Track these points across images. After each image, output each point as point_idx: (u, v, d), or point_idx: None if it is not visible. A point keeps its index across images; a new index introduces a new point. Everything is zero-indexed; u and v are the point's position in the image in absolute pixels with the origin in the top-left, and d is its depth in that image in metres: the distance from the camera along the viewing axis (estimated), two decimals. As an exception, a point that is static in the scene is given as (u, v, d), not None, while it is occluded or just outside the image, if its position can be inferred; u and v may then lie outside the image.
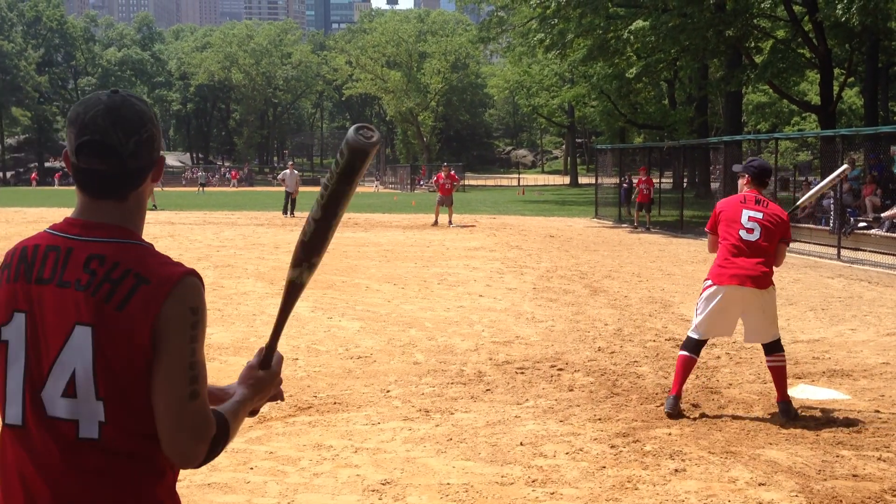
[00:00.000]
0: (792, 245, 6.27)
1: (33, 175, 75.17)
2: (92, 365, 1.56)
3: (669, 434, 5.24)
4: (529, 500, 4.20)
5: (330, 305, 9.92)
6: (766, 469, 4.61)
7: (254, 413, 1.84)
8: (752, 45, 29.37)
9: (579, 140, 75.12)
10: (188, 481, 4.42)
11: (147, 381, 1.58)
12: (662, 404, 5.86)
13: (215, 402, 1.75)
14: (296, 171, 28.26)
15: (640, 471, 4.58)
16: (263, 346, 1.85)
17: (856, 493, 4.27)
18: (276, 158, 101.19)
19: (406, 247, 17.38)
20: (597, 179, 30.49)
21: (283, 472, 4.58)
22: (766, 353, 5.75)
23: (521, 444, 5.02)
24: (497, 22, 37.88)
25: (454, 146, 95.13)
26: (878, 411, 5.77)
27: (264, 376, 1.83)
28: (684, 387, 5.92)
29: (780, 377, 5.67)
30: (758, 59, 28.57)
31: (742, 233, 5.62)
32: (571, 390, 6.28)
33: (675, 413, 5.57)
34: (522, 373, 6.78)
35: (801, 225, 19.69)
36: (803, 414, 5.69)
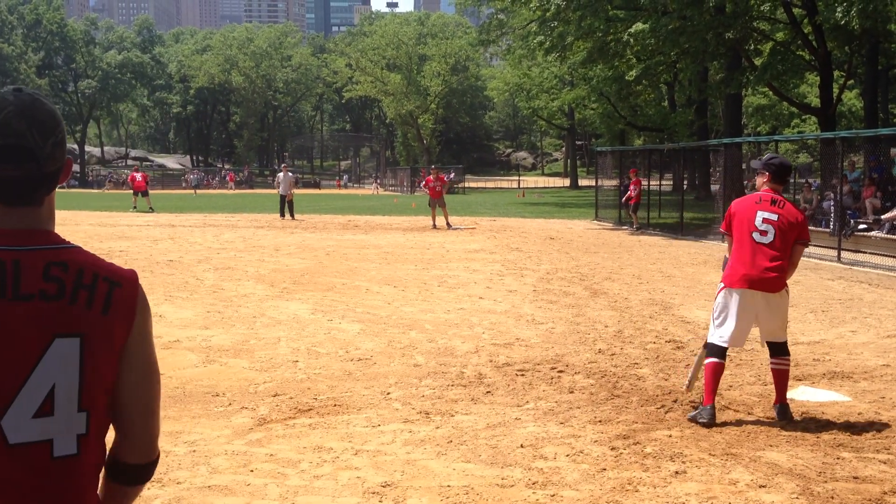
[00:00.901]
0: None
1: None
2: (79, 376, 1.49)
3: (670, 436, 5.24)
4: (530, 502, 4.20)
5: (330, 308, 9.92)
6: (767, 471, 4.61)
7: None
8: (752, 47, 29.38)
9: (579, 142, 75.15)
10: (188, 484, 4.42)
11: (115, 384, 1.57)
12: (663, 406, 5.86)
13: None
14: (290, 174, 28.17)
15: (640, 473, 4.58)
16: None
17: (856, 495, 4.26)
18: (276, 161, 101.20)
19: (406, 249, 17.38)
20: (597, 182, 30.50)
21: (283, 474, 4.57)
22: (772, 356, 5.71)
23: (522, 446, 5.02)
24: (497, 24, 37.90)
25: (454, 148, 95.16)
26: (878, 413, 5.76)
27: None
28: (684, 386, 5.92)
29: (781, 381, 5.65)
30: (757, 62, 28.57)
31: (755, 234, 5.52)
32: (572, 392, 6.27)
33: (713, 422, 5.42)
34: (523, 375, 6.77)
35: (801, 227, 19.66)
36: (804, 416, 5.68)
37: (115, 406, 1.59)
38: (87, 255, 1.61)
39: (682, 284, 12.10)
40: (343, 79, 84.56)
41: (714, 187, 38.41)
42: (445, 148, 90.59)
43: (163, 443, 5.04)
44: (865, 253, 16.00)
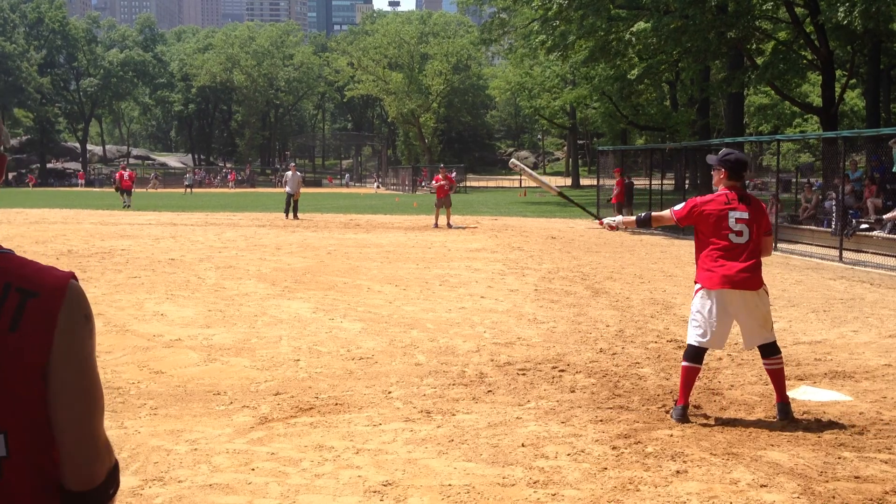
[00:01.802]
0: (794, 247, 6.24)
1: (30, 178, 75.24)
2: None
3: (671, 435, 5.24)
4: (531, 501, 4.20)
5: (331, 307, 9.92)
6: (768, 470, 4.61)
7: None
8: (754, 46, 29.38)
9: (581, 142, 75.18)
10: (189, 482, 4.43)
11: (45, 402, 1.43)
12: (664, 405, 5.86)
13: None
14: (298, 173, 28.09)
15: (641, 472, 4.58)
16: None
17: (858, 495, 4.26)
18: (277, 160, 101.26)
19: (407, 248, 17.39)
20: (598, 181, 30.49)
21: (284, 472, 4.58)
22: (763, 357, 5.69)
23: (523, 445, 5.02)
24: (499, 24, 37.93)
25: (456, 147, 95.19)
26: (880, 413, 5.76)
27: None
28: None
29: (778, 380, 5.64)
30: (759, 61, 28.57)
31: (731, 236, 5.52)
32: (573, 392, 6.27)
33: (683, 422, 5.50)
34: (524, 374, 6.77)
35: (802, 227, 19.69)
36: (805, 416, 5.68)
37: (52, 426, 1.45)
38: (7, 260, 1.44)
39: (684, 284, 12.09)
40: (345, 77, 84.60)
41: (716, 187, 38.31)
42: (447, 147, 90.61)
43: (164, 441, 5.06)
44: (867, 253, 15.98)
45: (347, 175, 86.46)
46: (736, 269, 5.47)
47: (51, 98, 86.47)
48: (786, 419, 5.50)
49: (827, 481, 4.45)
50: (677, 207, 5.85)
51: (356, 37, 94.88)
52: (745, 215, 5.55)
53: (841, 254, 15.91)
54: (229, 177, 76.36)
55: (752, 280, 5.48)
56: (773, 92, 33.66)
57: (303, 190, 29.43)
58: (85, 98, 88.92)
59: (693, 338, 5.62)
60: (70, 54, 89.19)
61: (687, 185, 29.70)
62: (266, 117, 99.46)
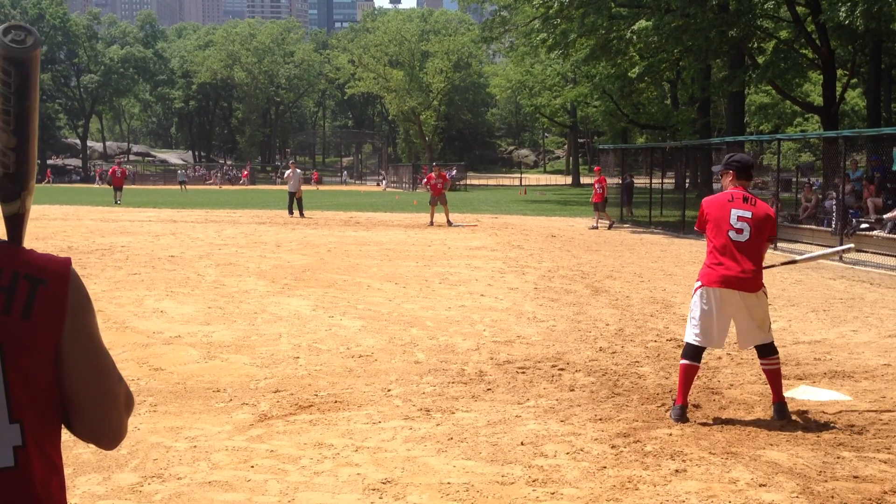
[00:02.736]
0: (794, 246, 6.25)
1: (48, 172, 75.35)
2: (4, 387, 1.39)
3: (670, 434, 5.24)
4: (530, 499, 4.20)
5: (331, 304, 9.93)
6: (767, 470, 4.61)
7: None
8: (755, 45, 29.33)
9: (581, 140, 75.13)
10: (189, 479, 4.43)
11: (55, 387, 1.45)
12: (664, 404, 5.86)
13: None
14: (298, 171, 28.05)
15: (640, 471, 4.58)
16: None
17: (856, 495, 4.26)
18: (278, 157, 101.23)
19: (407, 246, 17.38)
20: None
21: (283, 470, 4.58)
22: (760, 357, 5.69)
23: (522, 443, 5.02)
24: (500, 21, 37.84)
25: (456, 145, 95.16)
26: (879, 413, 5.76)
27: None
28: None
29: (775, 380, 5.64)
30: (760, 60, 28.54)
31: (731, 234, 5.52)
32: (572, 390, 6.28)
33: (681, 421, 5.49)
34: (523, 372, 6.77)
35: (802, 226, 19.68)
36: (805, 415, 5.68)
37: (69, 410, 1.47)
38: (11, 249, 1.46)
39: (684, 283, 12.09)
40: (345, 75, 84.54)
41: (716, 186, 38.34)
42: (447, 145, 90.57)
43: (164, 438, 5.06)
44: (867, 252, 15.98)
45: (345, 172, 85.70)
46: (736, 269, 5.46)
47: (51, 94, 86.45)
48: (782, 419, 5.50)
49: (826, 481, 4.45)
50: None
51: (357, 34, 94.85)
52: (748, 214, 5.55)
53: (841, 253, 15.90)
54: (243, 174, 76.21)
55: (751, 282, 5.47)
56: (773, 91, 33.63)
57: (306, 187, 29.41)
58: (85, 94, 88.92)
59: (691, 336, 5.62)
60: (71, 50, 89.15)
61: (687, 184, 29.67)
62: (266, 114, 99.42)
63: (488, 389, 6.26)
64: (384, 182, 68.87)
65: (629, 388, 6.35)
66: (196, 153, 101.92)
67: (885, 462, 4.77)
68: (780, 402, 5.60)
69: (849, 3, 19.60)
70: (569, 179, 72.36)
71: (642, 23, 25.15)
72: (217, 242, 17.57)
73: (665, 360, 7.24)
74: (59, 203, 33.94)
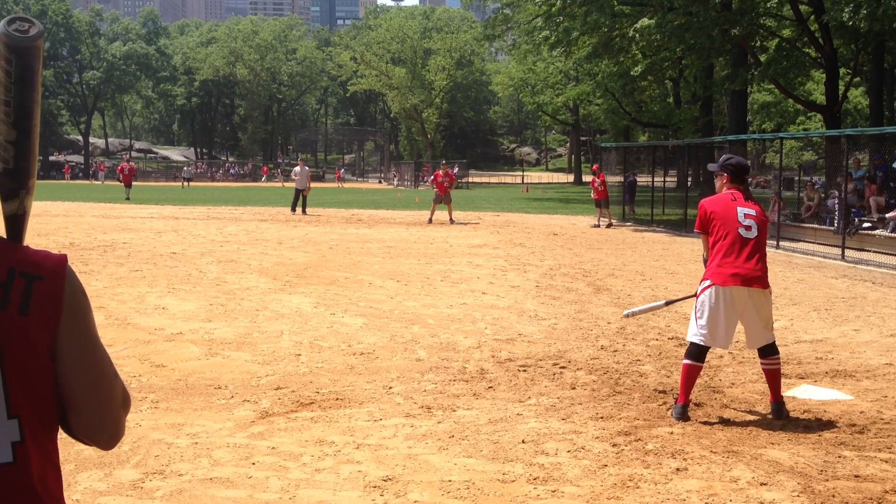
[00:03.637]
0: (796, 245, 6.22)
1: (66, 168, 75.35)
2: (2, 383, 1.38)
3: (671, 433, 5.24)
4: (531, 497, 4.20)
5: (333, 301, 9.93)
6: (768, 469, 4.61)
7: None
8: (758, 44, 29.30)
9: (584, 138, 75.07)
10: (190, 476, 4.43)
11: (52, 383, 1.45)
12: (665, 403, 5.86)
13: None
14: (306, 168, 27.83)
15: (641, 469, 4.58)
16: None
17: (858, 494, 4.26)
18: (280, 154, 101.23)
19: (409, 243, 17.38)
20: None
21: (284, 467, 4.58)
22: (761, 356, 5.68)
23: (523, 441, 5.02)
24: (502, 19, 37.78)
25: (458, 143, 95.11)
26: (880, 412, 5.76)
27: None
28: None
29: (774, 379, 5.64)
30: (763, 59, 28.50)
31: (741, 230, 5.52)
32: (574, 388, 6.28)
33: (683, 420, 5.49)
34: (525, 370, 6.78)
35: (805, 225, 19.66)
36: (806, 414, 5.68)
37: (66, 407, 1.47)
38: (7, 246, 1.46)
39: (686, 281, 12.08)
40: (348, 72, 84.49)
41: (719, 185, 38.22)
42: (449, 142, 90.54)
43: (165, 435, 5.06)
44: (869, 251, 15.97)
45: (343, 170, 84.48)
46: (747, 266, 5.45)
47: (53, 91, 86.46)
48: (779, 419, 5.50)
49: (827, 480, 4.45)
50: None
51: (359, 31, 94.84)
52: (753, 212, 5.60)
53: (843, 252, 15.89)
54: (263, 170, 76.01)
55: (762, 279, 5.49)
56: (776, 90, 33.58)
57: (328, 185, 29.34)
58: (88, 91, 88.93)
59: (696, 336, 5.57)
60: (73, 47, 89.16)
61: (689, 183, 29.63)
62: (269, 111, 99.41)
63: (489, 387, 6.26)
64: (396, 180, 67.93)
65: (630, 386, 6.35)
66: (198, 150, 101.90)
67: (887, 461, 4.77)
68: (777, 402, 5.61)
69: (852, 5, 19.55)
70: (571, 177, 72.36)
71: (645, 21, 25.08)
72: (219, 239, 17.58)
73: (666, 359, 7.23)
74: (61, 199, 33.96)
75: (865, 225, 17.22)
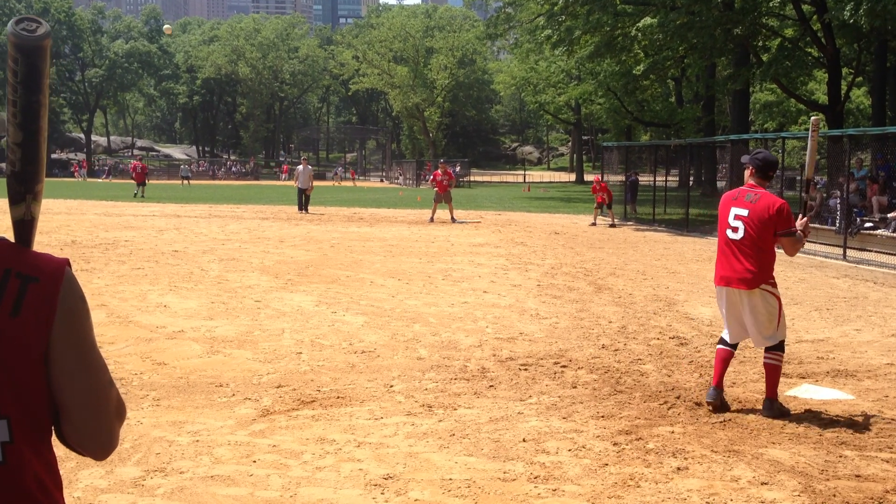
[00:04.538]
0: (797, 245, 6.15)
1: (75, 167, 75.18)
2: None
3: (672, 432, 5.24)
4: (531, 496, 4.20)
5: (334, 300, 9.93)
6: (769, 468, 4.61)
7: None
8: (760, 43, 29.27)
9: (585, 137, 75.09)
10: (191, 473, 4.44)
11: (45, 386, 1.44)
12: (665, 402, 5.86)
13: None
14: (309, 167, 27.62)
15: (642, 468, 4.58)
16: None
17: (858, 494, 4.26)
18: (282, 152, 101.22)
19: (411, 242, 17.39)
20: (602, 177, 30.43)
21: (285, 465, 4.59)
22: (765, 350, 5.74)
23: (524, 440, 5.03)
24: (504, 18, 37.77)
25: (460, 142, 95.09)
26: (881, 412, 5.75)
27: None
28: (688, 384, 5.92)
29: (772, 375, 5.65)
30: (765, 58, 28.48)
31: (728, 232, 5.66)
32: (575, 387, 6.28)
33: (717, 403, 5.62)
34: (526, 369, 6.78)
35: (806, 225, 19.62)
36: (807, 414, 5.68)
37: (59, 412, 1.46)
38: (10, 248, 1.46)
39: (687, 281, 12.08)
40: (350, 71, 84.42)
41: (720, 184, 38.33)
42: (451, 141, 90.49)
43: (166, 432, 5.07)
44: (871, 251, 15.96)
45: (340, 168, 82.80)
46: (731, 267, 5.61)
47: (56, 88, 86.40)
48: (768, 415, 5.53)
49: (828, 479, 4.45)
50: None
51: (361, 30, 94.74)
52: (744, 213, 5.59)
53: (845, 252, 15.88)
54: (283, 169, 75.71)
55: (747, 280, 5.53)
56: (778, 89, 33.54)
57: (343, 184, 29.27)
58: (90, 89, 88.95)
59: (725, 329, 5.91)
60: (75, 45, 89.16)
61: (691, 182, 29.61)
62: (271, 110, 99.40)
63: (490, 386, 6.27)
64: (401, 178, 67.49)
65: (631, 385, 6.35)
66: (200, 148, 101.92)
67: (888, 461, 4.77)
68: (770, 399, 5.63)
69: (853, 2, 19.53)
70: (572, 176, 72.35)
71: (647, 20, 25.07)
72: (220, 238, 17.59)
73: (668, 358, 7.23)
74: (63, 197, 33.97)
75: (867, 225, 17.21)
